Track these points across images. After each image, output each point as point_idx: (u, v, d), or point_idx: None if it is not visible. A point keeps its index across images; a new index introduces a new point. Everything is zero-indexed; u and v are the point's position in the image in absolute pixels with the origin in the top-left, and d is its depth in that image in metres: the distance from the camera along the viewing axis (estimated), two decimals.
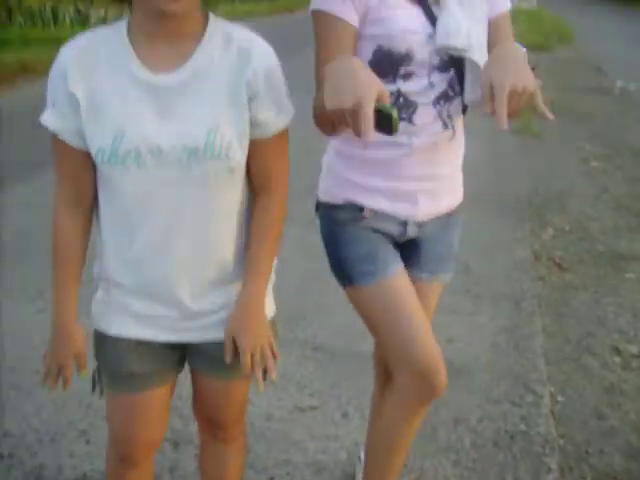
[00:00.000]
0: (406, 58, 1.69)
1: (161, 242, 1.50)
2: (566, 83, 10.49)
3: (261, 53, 1.49)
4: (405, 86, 1.72)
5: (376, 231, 1.86)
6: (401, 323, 1.82)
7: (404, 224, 1.87)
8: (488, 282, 4.00)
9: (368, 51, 1.71)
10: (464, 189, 1.99)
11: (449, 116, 1.78)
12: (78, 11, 13.84)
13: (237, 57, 1.46)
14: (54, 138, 1.49)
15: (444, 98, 1.76)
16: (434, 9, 1.71)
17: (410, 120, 1.74)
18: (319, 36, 1.69)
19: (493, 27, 1.79)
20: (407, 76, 1.71)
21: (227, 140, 1.44)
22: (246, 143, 1.49)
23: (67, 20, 13.46)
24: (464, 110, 1.84)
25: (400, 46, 1.68)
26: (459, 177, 1.96)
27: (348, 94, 1.24)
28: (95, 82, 1.43)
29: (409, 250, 1.93)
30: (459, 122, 1.85)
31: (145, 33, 1.44)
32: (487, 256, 4.33)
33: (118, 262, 1.55)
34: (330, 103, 1.29)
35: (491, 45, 1.75)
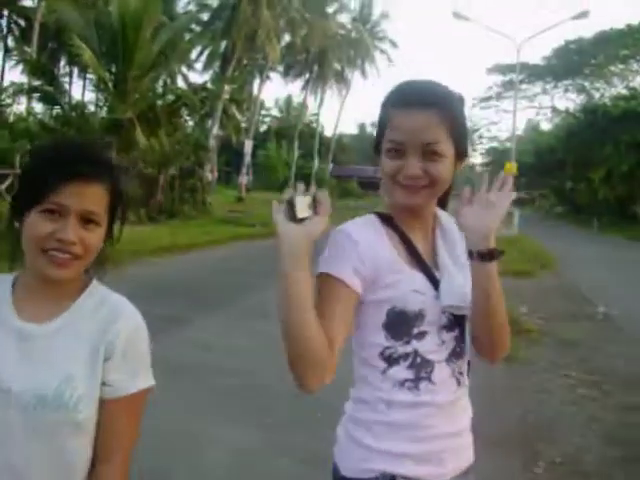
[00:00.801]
0: (419, 317, 1.75)
1: None
2: (550, 310, 10.72)
3: (128, 317, 1.60)
4: (420, 345, 1.77)
5: None
6: None
7: None
8: None
9: (381, 313, 1.77)
10: None
11: (460, 373, 1.84)
12: None
13: (105, 319, 1.57)
14: None
15: (454, 355, 1.82)
16: (435, 273, 1.81)
17: (430, 379, 1.77)
18: (320, 294, 1.69)
19: None
20: (420, 335, 1.77)
21: (78, 393, 1.51)
22: (97, 401, 1.55)
23: None
24: (468, 369, 1.91)
25: (413, 305, 1.75)
26: (471, 434, 1.95)
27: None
28: None
29: None
30: (467, 380, 1.89)
31: (28, 288, 1.58)
32: None
33: None
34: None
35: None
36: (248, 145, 40.89)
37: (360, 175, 68.34)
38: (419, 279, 1.78)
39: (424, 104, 1.72)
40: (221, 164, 50.31)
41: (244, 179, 40.55)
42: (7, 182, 18.98)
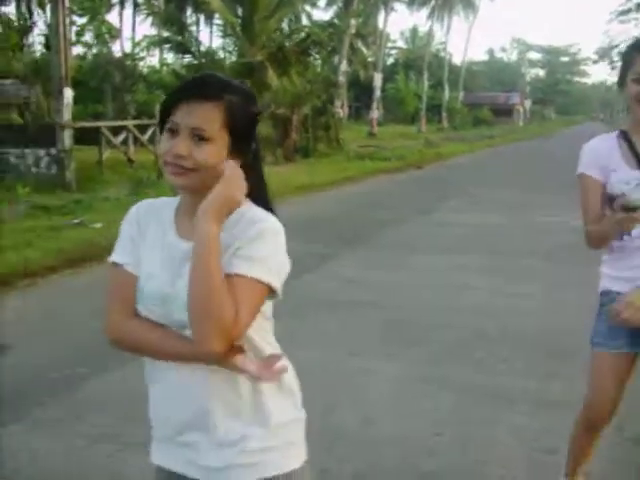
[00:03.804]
0: (622, 197, 2.68)
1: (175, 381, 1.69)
2: None
3: (255, 224, 1.66)
4: None
5: None
6: (596, 389, 2.94)
7: None
8: None
9: (605, 193, 2.83)
10: None
11: None
12: None
13: (244, 225, 1.66)
14: (114, 269, 1.77)
15: None
16: None
17: (629, 233, 2.75)
18: (581, 191, 2.90)
19: None
20: None
21: None
22: None
23: None
24: None
25: (618, 190, 2.75)
26: None
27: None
28: (144, 235, 1.78)
29: None
30: None
31: (184, 208, 1.76)
32: None
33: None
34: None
35: None
36: (377, 78, 40.39)
37: (492, 102, 66.40)
38: (631, 173, 2.79)
39: None
40: (350, 100, 50.11)
41: (375, 113, 40.17)
42: (149, 132, 19.63)
